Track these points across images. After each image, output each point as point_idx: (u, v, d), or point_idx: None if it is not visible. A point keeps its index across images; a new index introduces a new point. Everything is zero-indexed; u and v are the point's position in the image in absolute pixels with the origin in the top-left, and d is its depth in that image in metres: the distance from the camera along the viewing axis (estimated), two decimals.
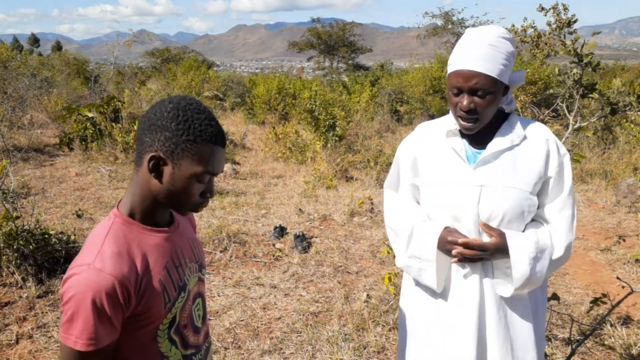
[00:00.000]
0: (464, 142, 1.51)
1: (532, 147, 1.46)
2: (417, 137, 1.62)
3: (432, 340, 1.55)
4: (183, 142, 1.00)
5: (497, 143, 1.45)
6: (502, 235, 1.40)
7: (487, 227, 1.42)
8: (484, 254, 1.41)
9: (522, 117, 1.53)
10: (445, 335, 1.50)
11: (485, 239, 1.44)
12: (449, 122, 1.53)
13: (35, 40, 56.56)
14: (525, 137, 1.47)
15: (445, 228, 1.47)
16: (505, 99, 1.51)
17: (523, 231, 1.47)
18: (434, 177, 1.52)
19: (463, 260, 1.44)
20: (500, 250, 1.40)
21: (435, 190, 1.51)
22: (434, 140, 1.55)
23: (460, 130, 1.51)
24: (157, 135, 1.01)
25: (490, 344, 1.47)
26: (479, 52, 1.38)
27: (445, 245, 1.45)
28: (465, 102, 1.40)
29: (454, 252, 1.44)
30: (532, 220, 1.51)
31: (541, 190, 1.48)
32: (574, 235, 1.48)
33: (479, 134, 1.49)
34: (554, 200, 1.47)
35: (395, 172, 1.67)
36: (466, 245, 1.40)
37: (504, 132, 1.47)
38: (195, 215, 1.33)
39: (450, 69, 1.43)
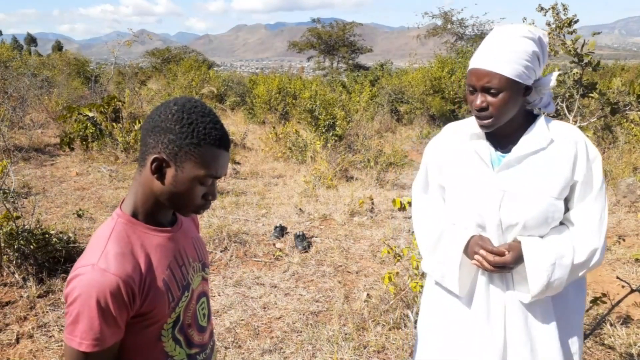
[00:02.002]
0: (489, 145, 1.48)
1: (559, 150, 1.41)
2: (443, 138, 1.60)
3: (451, 343, 1.54)
4: (186, 145, 1.00)
5: (522, 147, 1.42)
6: (517, 248, 1.39)
7: (498, 250, 1.40)
8: (503, 271, 1.41)
9: (551, 119, 1.48)
10: (468, 339, 1.49)
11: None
12: (476, 123, 1.50)
13: (32, 39, 56.55)
14: (552, 140, 1.42)
15: (475, 236, 1.46)
16: (536, 101, 1.47)
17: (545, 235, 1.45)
18: (457, 180, 1.50)
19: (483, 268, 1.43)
20: (519, 260, 1.39)
21: (458, 193, 1.49)
22: (460, 143, 1.53)
23: (486, 133, 1.48)
24: (160, 137, 1.01)
25: (511, 348, 1.45)
26: (494, 51, 1.36)
27: (474, 253, 1.44)
28: (477, 101, 1.39)
29: (472, 262, 1.43)
30: (561, 223, 1.47)
31: (569, 195, 1.44)
32: (601, 241, 1.41)
33: (505, 136, 1.47)
34: (579, 205, 1.43)
35: (423, 173, 1.66)
36: (487, 260, 1.40)
37: (530, 135, 1.43)
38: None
39: (469, 67, 1.43)
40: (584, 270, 1.43)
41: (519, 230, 1.41)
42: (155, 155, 1.01)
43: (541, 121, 1.45)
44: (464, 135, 1.52)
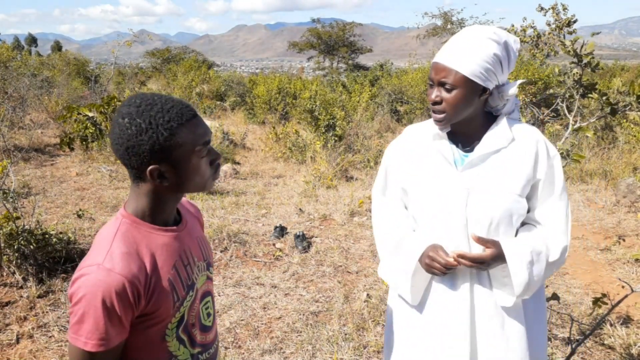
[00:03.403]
0: (452, 145, 1.49)
1: (520, 149, 1.43)
2: (404, 140, 1.59)
3: (417, 348, 1.53)
4: (164, 142, 1.00)
5: (484, 146, 1.43)
6: (497, 245, 1.38)
7: (480, 239, 1.38)
8: (481, 266, 1.39)
9: (511, 119, 1.50)
10: (435, 345, 1.48)
11: (474, 246, 1.42)
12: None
13: (33, 40, 56.71)
14: (513, 139, 1.44)
15: (430, 245, 1.44)
16: (499, 106, 1.47)
17: (515, 236, 1.45)
18: (421, 181, 1.49)
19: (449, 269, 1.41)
20: (497, 259, 1.38)
21: (422, 194, 1.48)
22: (422, 143, 1.53)
23: (448, 133, 1.49)
24: (139, 155, 1.00)
25: (482, 350, 1.45)
26: (455, 48, 1.37)
27: (425, 259, 1.43)
28: (432, 95, 1.41)
29: (450, 258, 1.39)
30: (525, 224, 1.49)
31: (531, 193, 1.46)
32: (568, 239, 1.45)
33: (466, 136, 1.48)
34: (544, 203, 1.45)
35: (382, 175, 1.64)
36: (461, 256, 1.37)
37: (492, 134, 1.44)
38: None
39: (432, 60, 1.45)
40: (556, 268, 1.45)
41: (485, 229, 1.41)
42: (149, 168, 1.01)
43: (503, 121, 1.46)
44: (426, 136, 1.52)
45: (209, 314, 1.21)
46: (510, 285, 1.41)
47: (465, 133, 1.48)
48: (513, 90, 1.44)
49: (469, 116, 1.43)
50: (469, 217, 1.41)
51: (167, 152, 1.00)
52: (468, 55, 1.35)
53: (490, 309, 1.45)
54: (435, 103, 1.41)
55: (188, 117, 1.03)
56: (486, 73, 1.36)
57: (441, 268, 1.39)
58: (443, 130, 1.47)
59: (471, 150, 1.47)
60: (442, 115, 1.41)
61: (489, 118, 1.49)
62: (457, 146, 1.49)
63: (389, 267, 1.57)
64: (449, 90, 1.37)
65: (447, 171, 1.45)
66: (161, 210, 1.08)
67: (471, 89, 1.37)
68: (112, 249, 1.00)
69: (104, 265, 0.97)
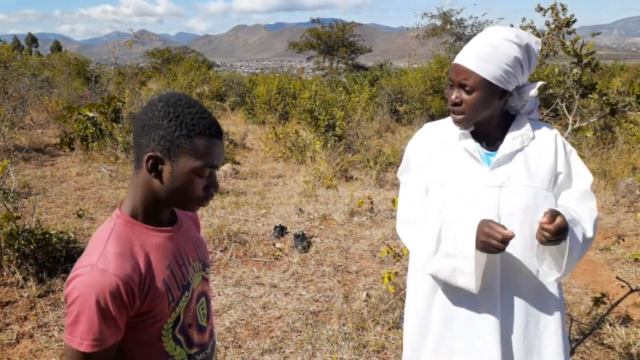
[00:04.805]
0: (477, 143, 1.49)
1: (541, 146, 1.46)
2: (426, 137, 1.58)
3: (445, 348, 1.50)
4: (177, 138, 1.00)
5: (508, 144, 1.45)
6: (560, 213, 1.28)
7: (548, 216, 1.26)
8: (561, 235, 1.27)
9: (529, 119, 1.51)
10: (468, 344, 1.45)
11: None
12: None
13: (33, 40, 56.77)
14: (533, 137, 1.47)
15: (482, 221, 1.34)
16: (519, 107, 1.48)
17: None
18: (448, 180, 1.47)
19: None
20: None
21: (452, 192, 1.46)
22: (445, 142, 1.52)
23: (472, 132, 1.50)
24: (151, 135, 1.01)
25: (519, 344, 1.43)
26: (475, 50, 1.38)
27: (481, 236, 1.31)
28: (452, 96, 1.42)
29: (538, 236, 1.29)
30: None
31: (552, 187, 1.47)
32: (595, 228, 1.45)
33: (486, 135, 1.49)
34: (569, 194, 1.46)
35: (406, 164, 1.62)
36: (544, 229, 1.26)
37: (513, 133, 1.46)
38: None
39: (453, 61, 1.46)
40: (589, 245, 1.44)
41: (518, 227, 1.39)
42: (149, 154, 1.01)
43: (524, 120, 1.49)
44: (448, 134, 1.52)
45: (204, 314, 1.21)
46: (550, 258, 1.37)
47: (484, 132, 1.49)
48: (533, 92, 1.45)
49: (489, 116, 1.45)
50: (501, 215, 1.41)
51: (173, 149, 1.00)
52: (488, 58, 1.36)
53: (529, 298, 1.43)
54: (455, 104, 1.42)
55: (211, 134, 1.03)
56: (506, 76, 1.37)
57: (499, 244, 1.28)
58: (466, 129, 1.48)
59: (495, 149, 1.48)
60: (461, 117, 1.43)
61: (508, 117, 1.51)
62: (481, 144, 1.50)
63: (440, 257, 1.43)
64: (468, 92, 1.39)
65: (477, 170, 1.45)
66: (155, 211, 1.08)
67: (490, 91, 1.38)
68: (106, 249, 1.00)
69: (97, 266, 0.97)
